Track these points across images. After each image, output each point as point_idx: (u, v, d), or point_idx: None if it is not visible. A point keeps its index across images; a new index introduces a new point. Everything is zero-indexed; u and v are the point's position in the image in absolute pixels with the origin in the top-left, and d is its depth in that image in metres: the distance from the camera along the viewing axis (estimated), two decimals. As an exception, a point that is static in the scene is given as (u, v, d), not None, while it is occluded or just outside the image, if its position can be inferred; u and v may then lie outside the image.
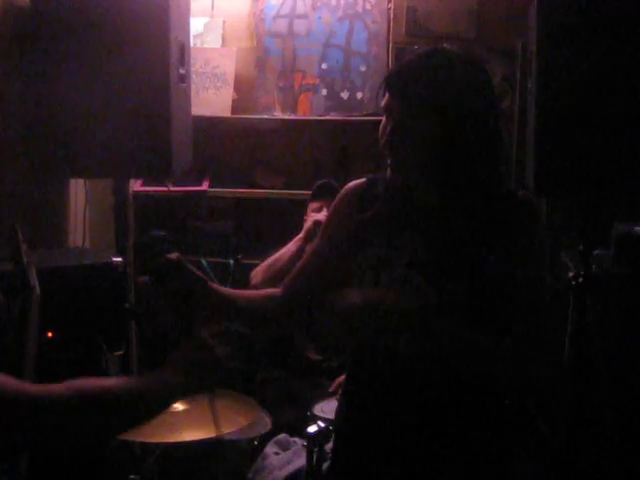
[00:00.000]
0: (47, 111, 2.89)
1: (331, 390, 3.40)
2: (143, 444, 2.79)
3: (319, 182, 3.74)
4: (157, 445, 2.84)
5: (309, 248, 2.15)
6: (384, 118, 1.82)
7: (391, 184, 1.87)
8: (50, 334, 2.16)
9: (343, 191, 2.03)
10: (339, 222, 1.99)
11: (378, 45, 4.21)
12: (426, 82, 1.74)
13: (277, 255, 3.52)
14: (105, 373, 2.11)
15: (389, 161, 1.83)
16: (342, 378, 3.45)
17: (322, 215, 3.44)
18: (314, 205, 3.68)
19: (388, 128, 1.79)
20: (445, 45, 1.82)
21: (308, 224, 3.50)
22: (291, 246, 3.51)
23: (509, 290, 1.76)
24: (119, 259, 2.36)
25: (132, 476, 2.68)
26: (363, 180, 2.00)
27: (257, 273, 3.55)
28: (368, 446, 1.93)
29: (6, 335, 1.93)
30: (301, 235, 3.51)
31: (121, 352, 2.58)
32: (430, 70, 1.75)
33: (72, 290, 1.98)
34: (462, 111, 1.75)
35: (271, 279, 3.46)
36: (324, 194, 3.65)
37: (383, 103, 1.81)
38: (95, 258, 2.72)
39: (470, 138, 1.77)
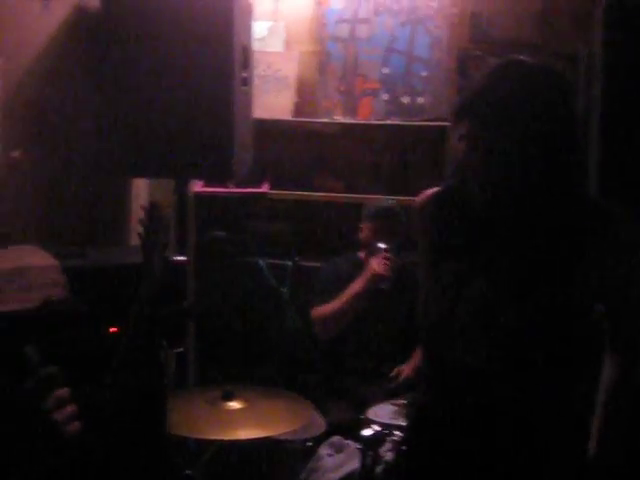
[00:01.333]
0: (113, 112, 2.96)
1: (392, 374, 3.41)
2: (198, 440, 2.83)
3: (380, 205, 3.72)
4: (212, 442, 2.88)
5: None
6: (462, 143, 1.76)
7: (471, 197, 1.81)
8: (113, 329, 2.21)
9: (419, 202, 1.99)
10: (422, 235, 1.95)
11: (440, 50, 4.20)
12: (512, 105, 1.68)
13: (339, 306, 3.52)
14: (164, 369, 2.15)
15: (470, 176, 1.79)
16: (403, 368, 3.46)
17: (382, 266, 3.42)
18: (369, 226, 3.66)
19: (473, 156, 1.73)
20: (516, 56, 1.76)
21: (367, 276, 3.47)
22: (351, 295, 3.51)
23: (613, 303, 1.75)
24: (181, 258, 2.39)
25: (187, 471, 2.72)
26: (437, 189, 1.95)
27: (320, 318, 3.55)
28: (441, 457, 1.90)
29: (72, 329, 1.98)
30: (359, 289, 3.50)
31: (181, 349, 2.62)
32: (514, 90, 1.70)
33: (133, 287, 2.02)
34: (553, 128, 1.70)
35: (337, 329, 3.51)
36: (382, 217, 3.61)
37: (464, 130, 1.75)
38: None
39: (562, 153, 1.73)
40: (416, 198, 2.00)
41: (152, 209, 2.13)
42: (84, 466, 1.93)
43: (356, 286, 3.46)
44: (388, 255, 3.45)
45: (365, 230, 3.66)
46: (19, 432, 1.15)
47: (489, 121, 1.71)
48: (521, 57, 1.76)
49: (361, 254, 3.74)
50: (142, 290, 1.99)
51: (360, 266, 3.60)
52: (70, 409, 1.19)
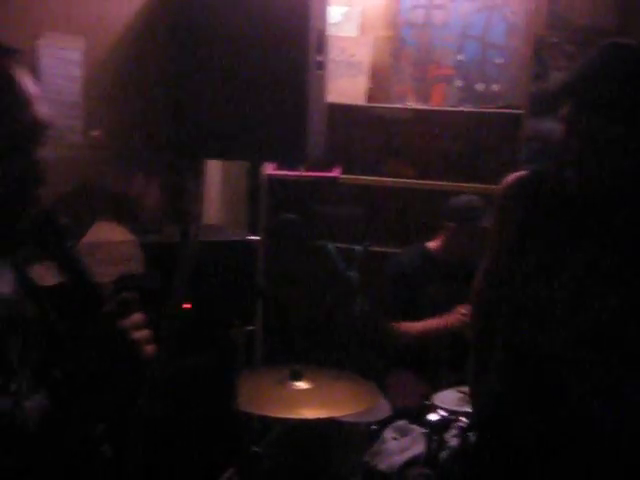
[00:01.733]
0: (188, 95, 3.01)
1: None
2: (264, 418, 2.87)
3: (465, 204, 3.66)
4: (278, 420, 2.92)
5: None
6: (562, 125, 1.72)
7: (567, 183, 1.77)
8: (187, 305, 2.26)
9: (504, 187, 1.95)
10: (505, 220, 1.91)
11: (516, 37, 4.15)
12: (620, 89, 1.63)
13: (416, 334, 3.55)
14: (235, 347, 2.19)
15: (567, 162, 1.74)
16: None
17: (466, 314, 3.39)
18: (453, 227, 3.63)
19: (573, 141, 1.69)
20: (622, 39, 1.70)
21: (454, 320, 3.48)
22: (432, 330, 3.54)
23: None
24: (255, 237, 2.42)
25: (254, 448, 2.76)
26: (526, 173, 1.91)
27: (395, 334, 3.62)
28: (519, 446, 1.88)
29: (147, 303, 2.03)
30: (440, 330, 3.51)
31: (252, 327, 2.65)
32: (623, 73, 1.65)
33: (208, 265, 2.06)
34: None
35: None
36: (467, 220, 3.58)
37: (565, 113, 1.70)
38: (232, 236, 2.80)
39: None
40: (502, 181, 1.96)
41: (182, 181, 2.13)
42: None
43: (438, 325, 3.52)
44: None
45: (448, 230, 3.64)
46: (100, 351, 1.21)
47: (593, 105, 1.65)
48: (627, 40, 1.71)
49: (431, 244, 3.73)
50: (181, 261, 2.03)
51: (429, 258, 3.60)
52: (146, 332, 1.23)
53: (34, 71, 2.77)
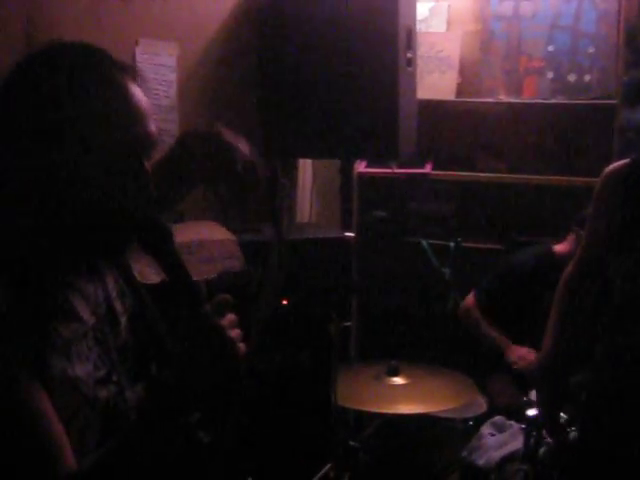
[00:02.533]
0: (281, 94, 3.06)
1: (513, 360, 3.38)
2: (361, 413, 2.89)
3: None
4: (375, 415, 2.94)
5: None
6: None
7: None
8: (285, 301, 2.30)
9: (605, 176, 1.91)
10: (603, 214, 1.86)
11: (608, 25, 4.05)
12: None
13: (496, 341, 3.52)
14: (333, 341, 2.22)
15: None
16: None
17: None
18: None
19: None
20: None
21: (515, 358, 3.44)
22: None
23: None
24: (350, 234, 2.44)
25: (352, 443, 2.79)
26: (626, 162, 1.88)
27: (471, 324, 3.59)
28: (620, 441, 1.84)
29: (247, 300, 2.08)
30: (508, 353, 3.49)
31: (349, 323, 2.67)
32: None
33: (305, 261, 2.09)
34: None
35: None
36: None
37: None
38: (327, 233, 2.84)
39: None
40: (606, 170, 1.91)
41: (272, 177, 2.18)
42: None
43: (502, 347, 3.50)
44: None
45: (578, 237, 3.35)
46: (199, 347, 1.27)
47: None
48: None
49: (558, 247, 3.59)
50: (273, 256, 2.07)
51: (551, 262, 3.50)
52: (238, 331, 1.30)
53: (134, 76, 2.87)
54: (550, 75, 4.13)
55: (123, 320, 1.45)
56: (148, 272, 1.67)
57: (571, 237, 3.51)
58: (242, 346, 1.29)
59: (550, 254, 3.56)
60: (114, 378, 1.38)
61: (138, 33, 2.88)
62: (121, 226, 1.33)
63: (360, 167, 4.01)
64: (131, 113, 1.33)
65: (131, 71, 1.41)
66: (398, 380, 2.78)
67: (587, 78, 4.08)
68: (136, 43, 2.86)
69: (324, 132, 3.00)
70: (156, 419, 1.27)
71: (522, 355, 3.39)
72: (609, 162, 3.80)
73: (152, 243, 1.32)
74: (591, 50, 4.08)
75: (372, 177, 4.06)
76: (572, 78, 4.11)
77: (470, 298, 3.60)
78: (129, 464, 1.24)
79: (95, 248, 1.36)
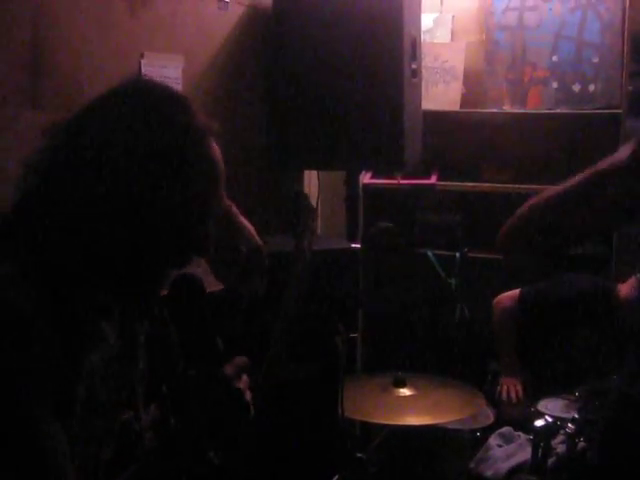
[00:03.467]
0: (287, 106, 3.06)
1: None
2: (367, 425, 2.88)
3: None
4: (382, 427, 2.93)
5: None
6: None
7: None
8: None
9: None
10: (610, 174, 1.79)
11: (612, 35, 4.06)
12: None
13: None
14: (339, 353, 2.22)
15: None
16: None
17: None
18: None
19: None
20: None
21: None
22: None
23: None
24: (357, 245, 2.44)
25: (359, 454, 2.78)
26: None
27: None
28: None
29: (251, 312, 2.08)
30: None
31: (356, 334, 2.67)
32: None
33: (314, 271, 2.08)
34: None
35: None
36: None
37: None
38: (334, 244, 2.84)
39: None
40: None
41: (299, 197, 2.19)
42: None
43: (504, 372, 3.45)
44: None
45: None
46: (222, 408, 1.31)
47: None
48: None
49: (623, 289, 3.31)
50: (295, 274, 2.07)
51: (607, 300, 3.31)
52: (250, 394, 1.32)
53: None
54: (555, 85, 4.13)
55: (141, 341, 1.45)
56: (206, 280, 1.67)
57: (633, 280, 3.23)
58: (252, 408, 1.35)
59: (611, 294, 3.31)
60: (133, 401, 1.39)
61: (144, 46, 2.89)
62: (159, 279, 1.33)
63: (365, 178, 4.01)
64: (212, 178, 1.31)
65: (213, 129, 1.36)
66: (405, 391, 2.78)
67: (592, 88, 4.08)
68: (142, 56, 2.86)
69: (329, 143, 3.00)
70: (167, 442, 1.31)
71: (508, 392, 3.34)
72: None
73: (184, 297, 1.34)
74: (595, 60, 4.09)
75: (377, 188, 4.06)
76: (577, 88, 4.11)
77: (515, 293, 3.50)
78: None
79: (126, 292, 1.35)
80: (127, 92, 1.30)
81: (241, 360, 1.34)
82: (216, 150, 1.33)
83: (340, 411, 2.36)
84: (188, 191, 1.26)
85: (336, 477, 2.71)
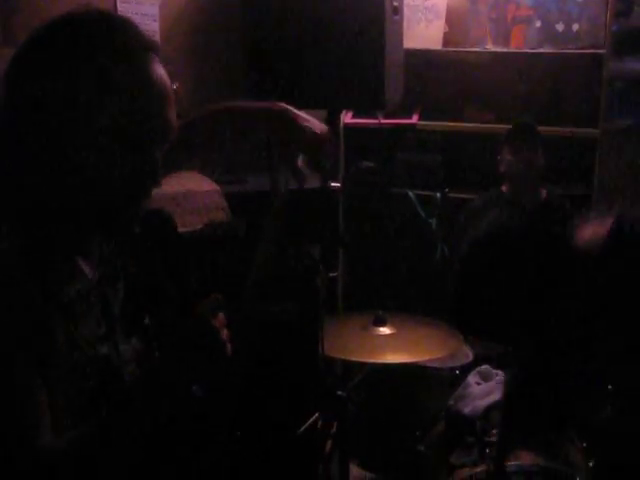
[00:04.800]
0: (266, 45, 3.01)
1: None
2: (348, 363, 2.90)
3: (516, 122, 3.66)
4: (361, 365, 2.95)
5: None
6: None
7: None
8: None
9: None
10: None
11: (598, -27, 4.02)
12: None
13: None
14: (320, 292, 2.22)
15: None
16: None
17: None
18: (508, 149, 3.63)
19: None
20: None
21: None
22: None
23: None
24: (336, 184, 2.42)
25: (339, 392, 2.80)
26: None
27: None
28: None
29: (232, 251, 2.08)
30: None
31: (335, 274, 2.67)
32: None
33: (292, 210, 2.08)
34: None
35: None
36: (521, 136, 3.57)
37: None
38: (312, 183, 2.81)
39: None
40: None
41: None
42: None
43: None
44: None
45: (504, 156, 3.63)
46: (196, 347, 1.29)
47: None
48: None
49: (504, 188, 3.72)
50: (272, 213, 2.06)
51: (504, 203, 3.60)
52: (226, 332, 1.31)
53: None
54: (538, 24, 4.09)
55: (121, 274, 1.45)
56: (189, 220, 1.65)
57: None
58: (229, 347, 1.31)
59: (501, 194, 3.76)
60: (113, 334, 1.38)
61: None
62: (121, 213, 1.30)
63: (346, 118, 3.98)
64: (152, 99, 1.26)
65: (156, 48, 1.31)
66: (385, 330, 2.78)
67: (575, 27, 4.05)
68: (117, -9, 2.81)
69: (310, 82, 2.97)
70: (150, 375, 1.30)
71: None
72: (597, 112, 3.84)
73: (153, 236, 1.32)
74: (580, -1, 4.04)
75: (358, 128, 4.03)
76: (560, 27, 4.08)
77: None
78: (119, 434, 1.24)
79: (98, 227, 1.34)
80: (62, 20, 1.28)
81: (215, 297, 1.32)
82: (157, 70, 1.27)
83: (320, 350, 2.37)
84: (125, 112, 1.23)
85: (316, 414, 2.74)
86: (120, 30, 1.27)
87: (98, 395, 1.31)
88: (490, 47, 4.13)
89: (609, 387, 2.07)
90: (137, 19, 2.97)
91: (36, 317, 1.19)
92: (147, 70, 1.26)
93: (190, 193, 2.23)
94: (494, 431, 2.62)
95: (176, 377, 1.27)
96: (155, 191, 1.32)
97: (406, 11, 3.62)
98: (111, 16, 1.32)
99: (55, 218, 1.28)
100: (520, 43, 4.11)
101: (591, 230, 1.77)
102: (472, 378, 3.01)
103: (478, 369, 3.05)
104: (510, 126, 3.79)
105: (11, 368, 1.16)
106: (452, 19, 4.17)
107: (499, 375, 2.99)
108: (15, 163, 1.26)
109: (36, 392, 1.18)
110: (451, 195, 3.74)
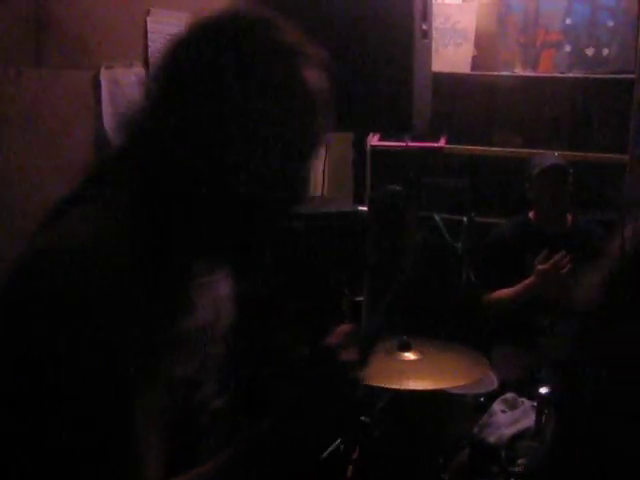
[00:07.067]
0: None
1: None
2: (370, 387, 2.88)
3: (544, 163, 3.61)
4: (385, 390, 2.92)
5: None
6: None
7: None
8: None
9: None
10: None
11: (628, -2, 3.99)
12: None
13: (510, 296, 3.60)
14: (343, 316, 2.20)
15: None
16: None
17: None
18: (539, 182, 3.59)
19: None
20: None
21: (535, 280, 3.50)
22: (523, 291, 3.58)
23: None
24: (364, 209, 2.41)
25: (362, 418, 2.77)
26: None
27: (492, 304, 3.67)
28: None
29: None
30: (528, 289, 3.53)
31: (362, 298, 2.65)
32: None
33: (320, 234, 2.06)
34: None
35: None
36: (554, 177, 3.53)
37: None
38: (341, 207, 2.82)
39: None
40: None
41: None
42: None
43: (528, 283, 3.54)
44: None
45: (534, 187, 3.61)
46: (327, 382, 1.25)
47: None
48: None
49: (531, 214, 3.69)
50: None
51: (529, 228, 3.57)
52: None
53: (145, 47, 2.84)
54: (568, 49, 4.07)
55: (225, 326, 1.37)
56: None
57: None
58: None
59: (527, 220, 3.73)
60: (208, 383, 1.31)
61: (149, 2, 2.84)
62: (268, 226, 1.19)
63: (373, 140, 3.97)
64: (306, 106, 1.21)
65: (320, 57, 1.25)
66: (410, 355, 2.76)
67: (605, 52, 4.02)
68: (147, 13, 2.82)
69: (337, 105, 2.96)
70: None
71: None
72: (626, 137, 3.81)
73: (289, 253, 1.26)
74: (610, 24, 4.02)
75: (385, 150, 4.02)
76: (590, 52, 4.05)
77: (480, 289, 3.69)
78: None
79: (236, 244, 1.20)
80: (217, 21, 1.22)
81: (346, 329, 1.26)
82: (310, 74, 1.21)
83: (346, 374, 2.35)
84: (287, 117, 1.17)
85: (338, 440, 2.71)
86: (281, 30, 1.22)
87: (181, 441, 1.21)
88: (519, 71, 4.11)
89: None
90: (167, 39, 3.00)
91: (145, 342, 1.04)
92: (298, 73, 1.20)
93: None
94: (519, 461, 2.58)
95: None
96: None
97: (435, 34, 3.60)
98: (275, 17, 1.25)
99: (200, 217, 1.14)
100: (548, 67, 4.09)
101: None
102: (497, 406, 2.97)
103: (503, 397, 3.00)
104: (539, 150, 3.77)
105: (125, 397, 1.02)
106: (481, 43, 4.16)
107: (525, 403, 2.95)
108: (171, 159, 1.13)
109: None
110: (478, 220, 3.71)
